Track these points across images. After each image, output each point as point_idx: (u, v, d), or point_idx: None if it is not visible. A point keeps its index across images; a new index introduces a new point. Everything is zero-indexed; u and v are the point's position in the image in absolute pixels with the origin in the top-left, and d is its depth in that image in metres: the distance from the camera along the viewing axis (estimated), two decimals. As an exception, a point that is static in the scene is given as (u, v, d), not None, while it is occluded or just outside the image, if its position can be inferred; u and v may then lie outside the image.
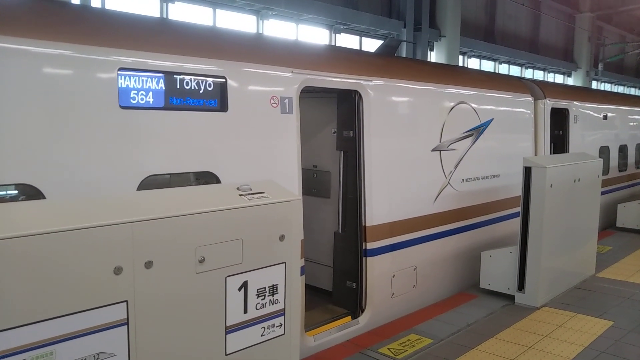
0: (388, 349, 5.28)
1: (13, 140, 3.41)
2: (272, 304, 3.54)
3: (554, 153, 9.68)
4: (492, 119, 7.81)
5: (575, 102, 10.12)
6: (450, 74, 8.05)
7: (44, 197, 3.47)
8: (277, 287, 3.55)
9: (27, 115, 3.46)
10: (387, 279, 6.15)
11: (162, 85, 4.09)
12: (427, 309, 6.39)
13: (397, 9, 17.58)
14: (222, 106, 4.48)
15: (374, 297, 5.97)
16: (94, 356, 2.75)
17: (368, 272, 5.90)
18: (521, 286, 6.53)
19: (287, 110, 4.97)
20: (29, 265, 2.52)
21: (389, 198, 6.13)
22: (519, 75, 24.06)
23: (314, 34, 15.73)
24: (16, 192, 3.54)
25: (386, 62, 6.79)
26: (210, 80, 4.39)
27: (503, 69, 24.34)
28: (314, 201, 6.65)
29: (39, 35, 3.52)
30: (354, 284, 5.99)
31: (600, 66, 30.26)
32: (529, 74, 26.16)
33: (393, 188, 6.18)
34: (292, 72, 5.03)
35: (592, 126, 10.90)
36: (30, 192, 3.48)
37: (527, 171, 6.40)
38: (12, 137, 3.41)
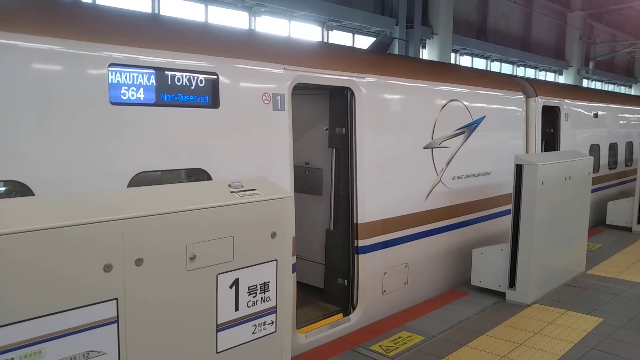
0: (380, 346, 5.28)
1: (2, 137, 3.37)
2: (264, 301, 3.52)
3: (545, 151, 9.73)
4: (484, 116, 7.83)
5: (566, 100, 10.17)
6: (443, 71, 8.06)
7: (32, 194, 3.44)
8: (268, 285, 3.54)
9: (16, 111, 3.42)
10: (379, 276, 6.16)
11: (153, 81, 4.06)
12: (418, 306, 6.41)
13: (390, 7, 17.57)
14: (214, 103, 4.46)
15: (365, 295, 5.97)
16: (84, 354, 2.73)
17: (360, 270, 5.90)
18: (512, 283, 6.56)
19: (279, 107, 4.96)
20: (17, 263, 2.49)
21: (381, 195, 6.13)
22: (510, 73, 24.15)
23: (306, 31, 15.70)
24: (4, 188, 3.51)
25: (378, 60, 6.78)
26: (201, 76, 4.37)
27: (495, 66, 24.42)
28: (305, 198, 6.64)
29: (28, 30, 3.48)
30: (346, 281, 6.00)
31: (591, 64, 30.44)
32: (520, 72, 26.26)
33: (385, 185, 6.18)
34: (284, 68, 5.02)
35: (583, 124, 10.96)
36: (18, 189, 3.45)
37: (519, 169, 6.43)
38: (1, 133, 3.37)
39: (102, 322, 2.79)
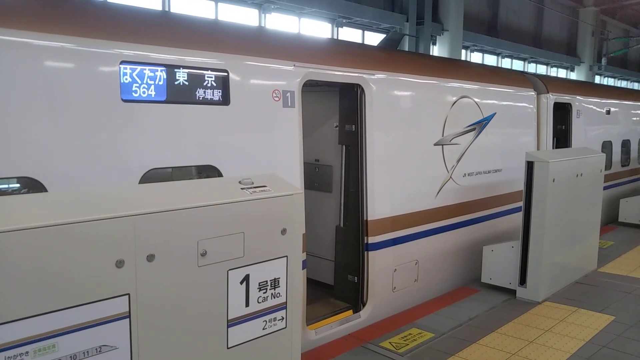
0: (389, 342, 5.29)
1: (15, 134, 3.41)
2: (274, 297, 3.54)
3: (556, 148, 9.66)
4: (495, 113, 7.79)
5: (578, 97, 10.09)
6: (453, 68, 8.03)
7: (46, 190, 3.47)
8: (278, 281, 3.55)
9: (30, 109, 3.46)
10: (389, 273, 6.16)
11: (164, 78, 4.09)
12: (428, 303, 6.40)
13: (400, 3, 17.50)
14: (224, 100, 4.48)
15: (375, 291, 5.97)
16: (97, 349, 2.76)
17: (369, 266, 5.91)
18: (523, 281, 6.53)
19: (289, 104, 4.96)
20: (31, 259, 2.52)
21: (391, 192, 6.12)
22: (521, 69, 23.98)
23: (316, 28, 15.68)
24: (18, 185, 3.55)
25: (388, 56, 6.77)
26: (212, 73, 4.38)
27: (506, 63, 24.25)
28: (315, 195, 6.65)
29: (41, 28, 3.52)
30: (356, 278, 6.00)
31: (603, 61, 30.13)
32: (531, 68, 26.07)
33: (395, 182, 6.17)
34: (294, 65, 5.02)
35: (595, 121, 10.87)
36: (32, 185, 3.48)
37: (530, 166, 6.39)
38: (15, 130, 3.41)
39: (114, 317, 2.82)
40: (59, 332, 2.62)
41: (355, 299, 6.01)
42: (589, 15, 28.19)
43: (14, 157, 3.41)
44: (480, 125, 7.51)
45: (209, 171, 4.45)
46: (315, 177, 6.69)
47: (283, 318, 3.61)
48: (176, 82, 4.16)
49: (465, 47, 20.71)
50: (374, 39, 16.96)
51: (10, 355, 2.47)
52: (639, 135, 13.06)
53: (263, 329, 3.52)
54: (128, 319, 2.87)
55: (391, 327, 5.65)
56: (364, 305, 5.96)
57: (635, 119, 12.96)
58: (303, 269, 4.67)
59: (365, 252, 5.91)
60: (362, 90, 5.77)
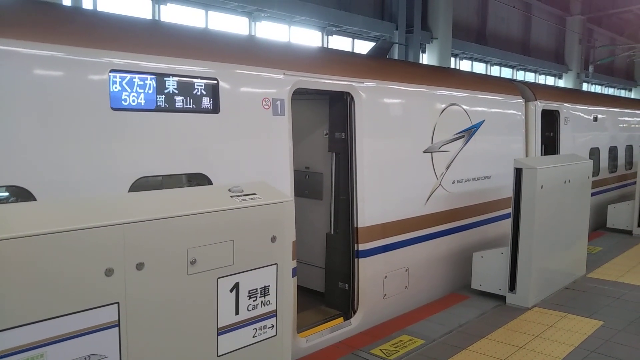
0: (380, 349, 5.29)
1: (4, 142, 3.40)
2: (264, 305, 3.54)
3: (545, 154, 9.74)
4: (484, 120, 7.86)
5: (566, 104, 10.20)
6: (442, 76, 8.09)
7: (34, 199, 3.46)
8: (268, 289, 3.55)
9: (18, 117, 3.45)
10: (379, 280, 6.17)
11: (153, 86, 4.09)
12: (419, 310, 6.41)
13: (390, 11, 17.63)
14: (214, 108, 4.49)
15: (366, 298, 5.98)
16: (86, 358, 2.75)
17: (360, 273, 5.92)
18: (512, 287, 6.56)
19: (279, 112, 4.98)
20: (20, 267, 2.52)
21: (381, 199, 6.15)
22: (510, 77, 24.18)
23: (306, 36, 15.75)
24: (7, 194, 3.53)
25: (378, 64, 6.81)
26: (202, 82, 4.40)
27: (495, 71, 24.45)
28: (306, 202, 6.66)
29: (30, 37, 3.51)
30: (346, 285, 6.01)
31: (590, 68, 30.49)
32: (520, 76, 26.29)
33: (385, 189, 6.20)
34: (284, 74, 5.05)
35: (582, 128, 10.99)
36: (21, 194, 3.47)
37: (518, 172, 6.44)
38: (3, 138, 3.40)
39: (103, 326, 2.81)
40: (48, 341, 2.61)
41: (345, 306, 6.02)
42: (576, 23, 28.54)
43: (2, 166, 3.39)
44: (469, 133, 7.57)
45: (198, 179, 4.45)
46: (305, 184, 6.71)
47: (273, 326, 3.61)
48: (166, 91, 4.17)
49: (454, 55, 20.86)
50: (363, 47, 17.05)
51: (-2, 365, 2.46)
52: (626, 141, 13.21)
53: (253, 336, 3.51)
54: (117, 328, 2.86)
55: (382, 334, 5.66)
56: (354, 313, 5.96)
57: (622, 125, 13.11)
58: (293, 276, 4.67)
59: (356, 259, 5.92)
60: (352, 98, 5.81)
